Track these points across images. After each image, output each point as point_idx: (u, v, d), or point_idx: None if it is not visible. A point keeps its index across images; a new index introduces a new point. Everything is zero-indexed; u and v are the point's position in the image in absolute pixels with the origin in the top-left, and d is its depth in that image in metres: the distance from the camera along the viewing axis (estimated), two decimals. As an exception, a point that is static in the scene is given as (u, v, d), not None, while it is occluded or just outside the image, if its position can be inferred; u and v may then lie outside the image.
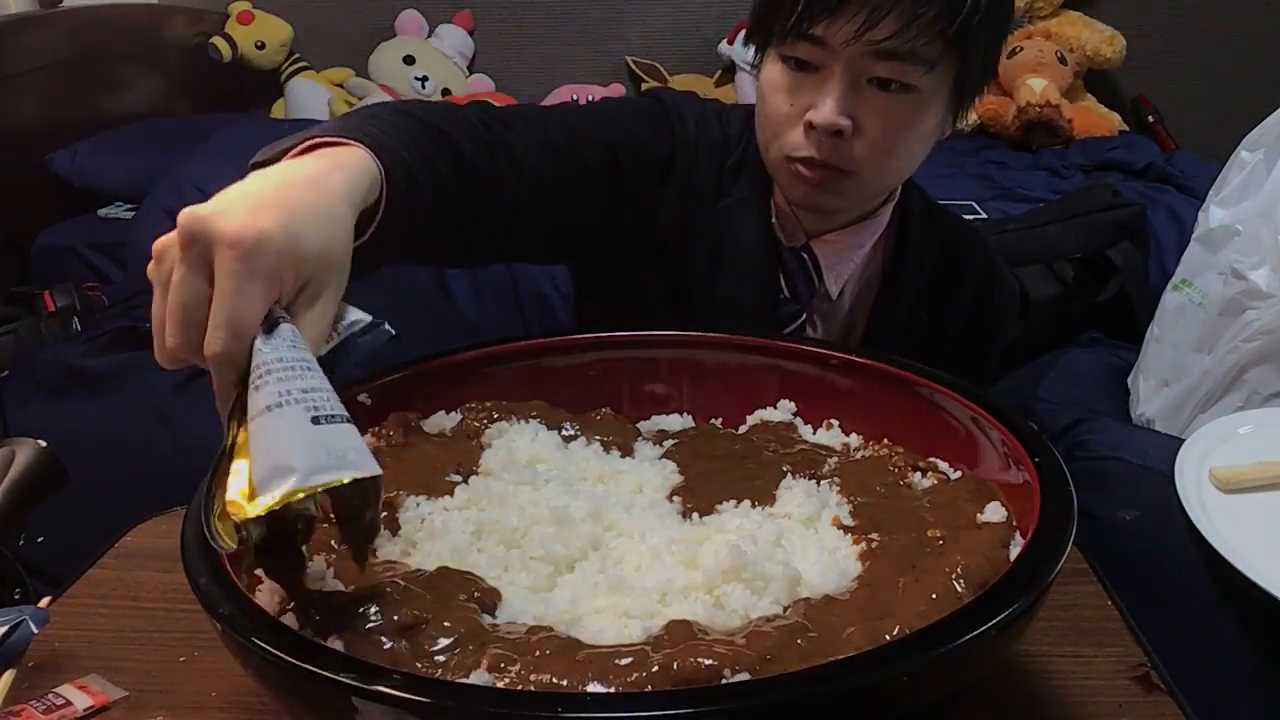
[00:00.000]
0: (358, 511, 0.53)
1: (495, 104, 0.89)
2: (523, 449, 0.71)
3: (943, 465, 0.70)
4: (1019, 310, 1.05)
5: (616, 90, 2.71)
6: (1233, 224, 1.15)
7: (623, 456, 0.73)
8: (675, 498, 0.67)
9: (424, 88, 2.67)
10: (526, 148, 0.84)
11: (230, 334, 0.51)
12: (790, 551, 0.60)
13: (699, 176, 0.97)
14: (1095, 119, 2.49)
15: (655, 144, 0.96)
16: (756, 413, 0.79)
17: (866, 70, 0.84)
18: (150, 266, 0.54)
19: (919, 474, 0.68)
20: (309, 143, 0.63)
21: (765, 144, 0.93)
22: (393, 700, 0.44)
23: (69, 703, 0.62)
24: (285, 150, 0.64)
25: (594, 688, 0.47)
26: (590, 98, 2.69)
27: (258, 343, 0.51)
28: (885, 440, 0.73)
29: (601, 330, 0.82)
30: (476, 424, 0.74)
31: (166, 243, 0.52)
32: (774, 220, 0.97)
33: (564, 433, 0.74)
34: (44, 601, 0.65)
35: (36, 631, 0.63)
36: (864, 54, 0.83)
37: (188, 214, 0.51)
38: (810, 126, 0.86)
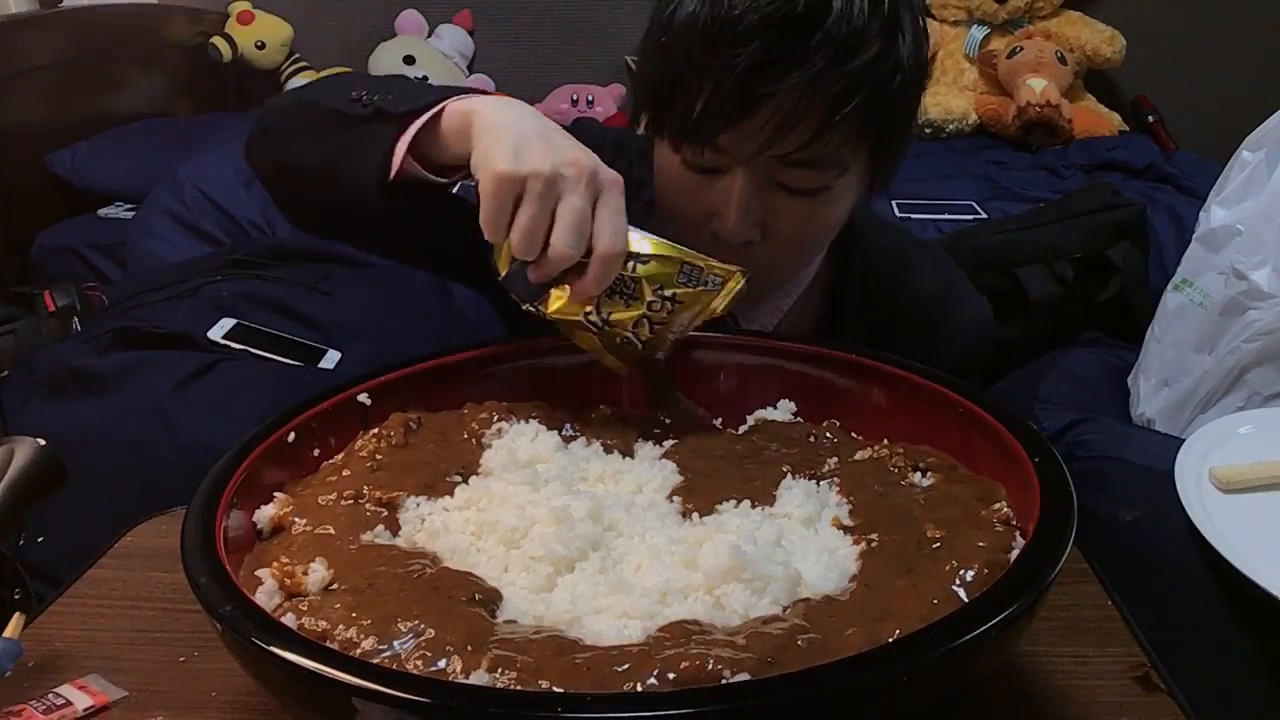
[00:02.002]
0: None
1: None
2: (523, 449, 0.71)
3: (943, 465, 0.70)
4: (988, 326, 0.99)
5: (616, 91, 2.71)
6: (1234, 224, 1.15)
7: (623, 456, 0.73)
8: (675, 498, 0.67)
9: (424, 88, 2.68)
10: None
11: (622, 235, 0.68)
12: (790, 552, 0.60)
13: None
14: (1095, 119, 2.49)
15: None
16: (756, 413, 0.79)
17: (774, 176, 0.79)
18: (501, 187, 0.66)
19: (919, 474, 0.68)
20: (447, 103, 0.73)
21: (669, 224, 0.85)
22: (393, 700, 0.44)
23: (69, 703, 0.62)
24: (424, 107, 0.73)
25: (594, 688, 0.47)
26: (590, 98, 2.70)
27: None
28: (885, 440, 0.73)
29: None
30: (476, 424, 0.74)
31: (550, 177, 0.66)
32: None
33: (564, 433, 0.74)
34: (11, 629, 0.64)
35: (10, 670, 0.63)
36: (771, 162, 0.78)
37: (579, 158, 0.67)
38: (715, 235, 0.82)
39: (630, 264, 0.70)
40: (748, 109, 0.76)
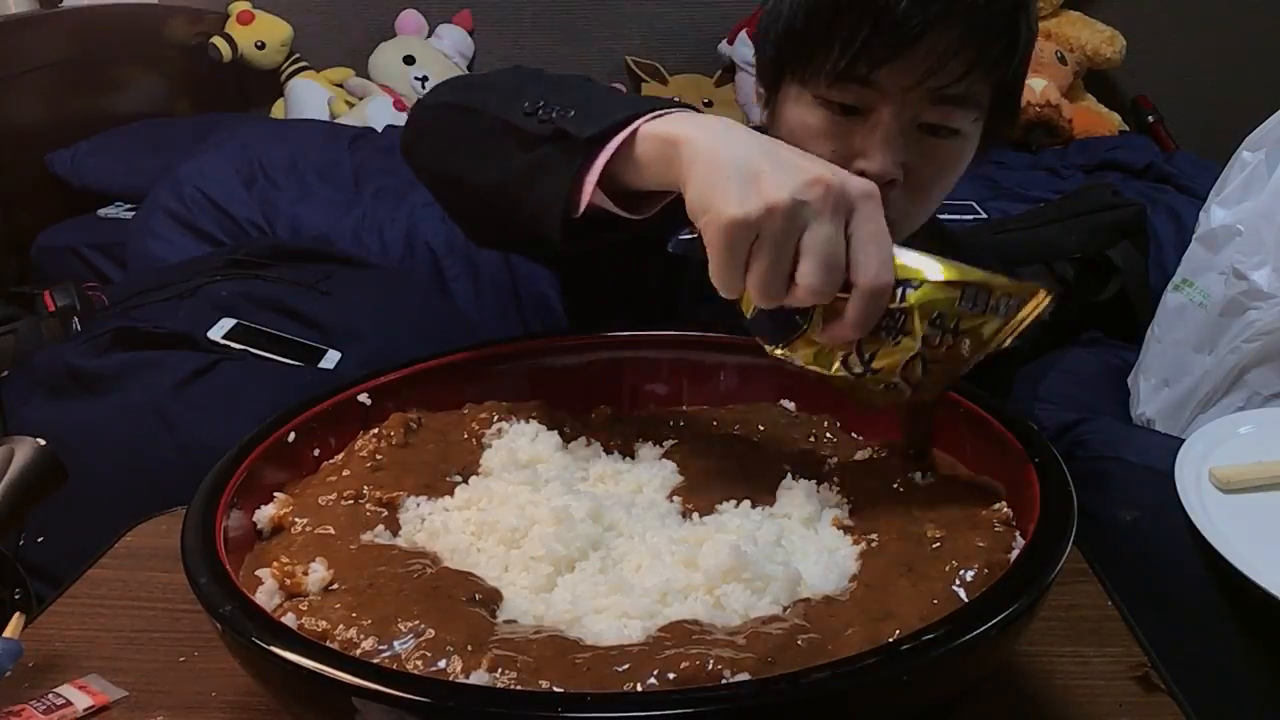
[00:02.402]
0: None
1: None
2: (523, 449, 0.71)
3: (943, 465, 0.70)
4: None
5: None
6: (1234, 224, 1.15)
7: (623, 457, 0.73)
8: (675, 498, 0.67)
9: (424, 88, 2.67)
10: None
11: (888, 262, 0.57)
12: (790, 552, 0.60)
13: None
14: (1095, 119, 2.49)
15: None
16: (756, 412, 0.79)
17: (918, 115, 0.81)
18: (733, 236, 0.55)
19: (919, 474, 0.68)
20: (640, 124, 0.63)
21: None
22: (393, 700, 0.44)
23: (69, 703, 0.62)
24: (614, 128, 0.63)
25: (594, 688, 0.47)
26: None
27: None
28: (885, 440, 0.73)
29: (601, 330, 0.82)
30: (476, 424, 0.74)
31: (789, 209, 0.55)
32: None
33: (564, 433, 0.74)
34: (11, 629, 0.64)
35: (10, 670, 0.63)
36: (918, 99, 0.80)
37: (823, 177, 0.55)
38: (859, 175, 0.82)
39: (899, 290, 0.57)
40: (909, 42, 0.77)
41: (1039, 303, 0.60)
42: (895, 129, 0.80)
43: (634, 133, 0.63)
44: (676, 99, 0.67)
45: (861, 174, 0.76)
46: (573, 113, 0.65)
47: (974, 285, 0.59)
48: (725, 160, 0.57)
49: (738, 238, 0.55)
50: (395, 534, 0.63)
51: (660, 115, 0.63)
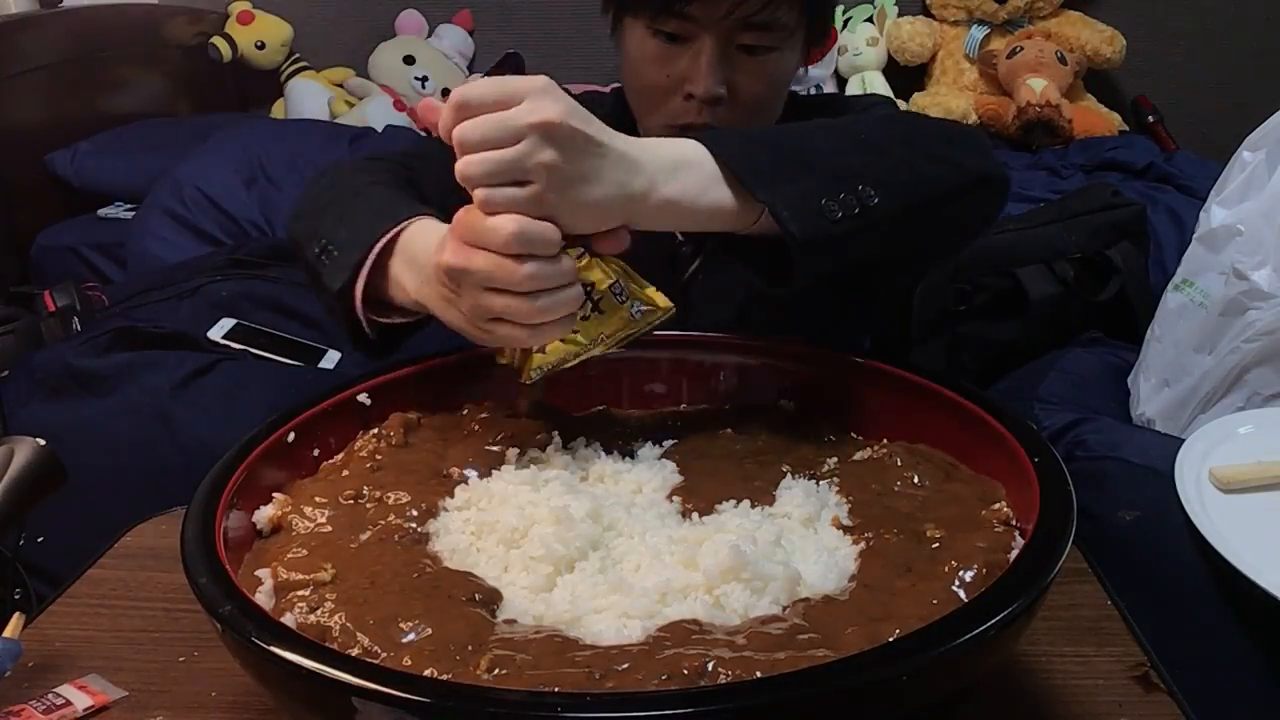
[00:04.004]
0: None
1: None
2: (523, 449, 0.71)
3: (943, 465, 0.70)
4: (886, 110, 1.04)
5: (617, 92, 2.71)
6: (1234, 224, 1.15)
7: (623, 457, 0.73)
8: (675, 498, 0.67)
9: (424, 88, 2.67)
10: (415, 162, 0.93)
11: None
12: (790, 551, 0.60)
13: None
14: (1095, 119, 2.48)
15: None
16: (756, 412, 0.79)
17: (735, 38, 0.89)
18: (442, 313, 0.70)
19: (918, 474, 0.68)
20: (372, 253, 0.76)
21: (642, 114, 0.97)
22: (393, 700, 0.44)
23: (69, 703, 0.62)
24: (355, 268, 0.76)
25: (594, 688, 0.47)
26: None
27: None
28: (885, 440, 0.73)
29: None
30: (476, 424, 0.74)
31: (447, 271, 0.66)
32: None
33: (564, 433, 0.74)
34: (11, 629, 0.64)
35: (9, 670, 0.63)
36: (732, 26, 0.88)
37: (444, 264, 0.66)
38: (689, 96, 0.91)
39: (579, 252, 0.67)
40: None
41: (660, 315, 0.70)
42: (715, 54, 0.89)
43: (374, 265, 0.74)
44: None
45: (689, 96, 0.91)
46: (336, 254, 0.77)
47: (623, 282, 0.68)
48: (409, 265, 0.72)
49: (445, 314, 0.69)
50: (396, 534, 0.62)
51: (396, 233, 0.74)
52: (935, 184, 0.77)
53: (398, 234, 0.74)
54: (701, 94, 0.90)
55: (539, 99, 0.63)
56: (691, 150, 0.71)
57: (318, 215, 0.83)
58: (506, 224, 0.63)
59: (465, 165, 0.63)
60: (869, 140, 0.77)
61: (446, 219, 0.70)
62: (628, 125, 0.98)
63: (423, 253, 0.71)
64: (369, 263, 0.74)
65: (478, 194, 0.64)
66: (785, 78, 0.95)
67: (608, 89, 1.13)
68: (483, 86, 0.64)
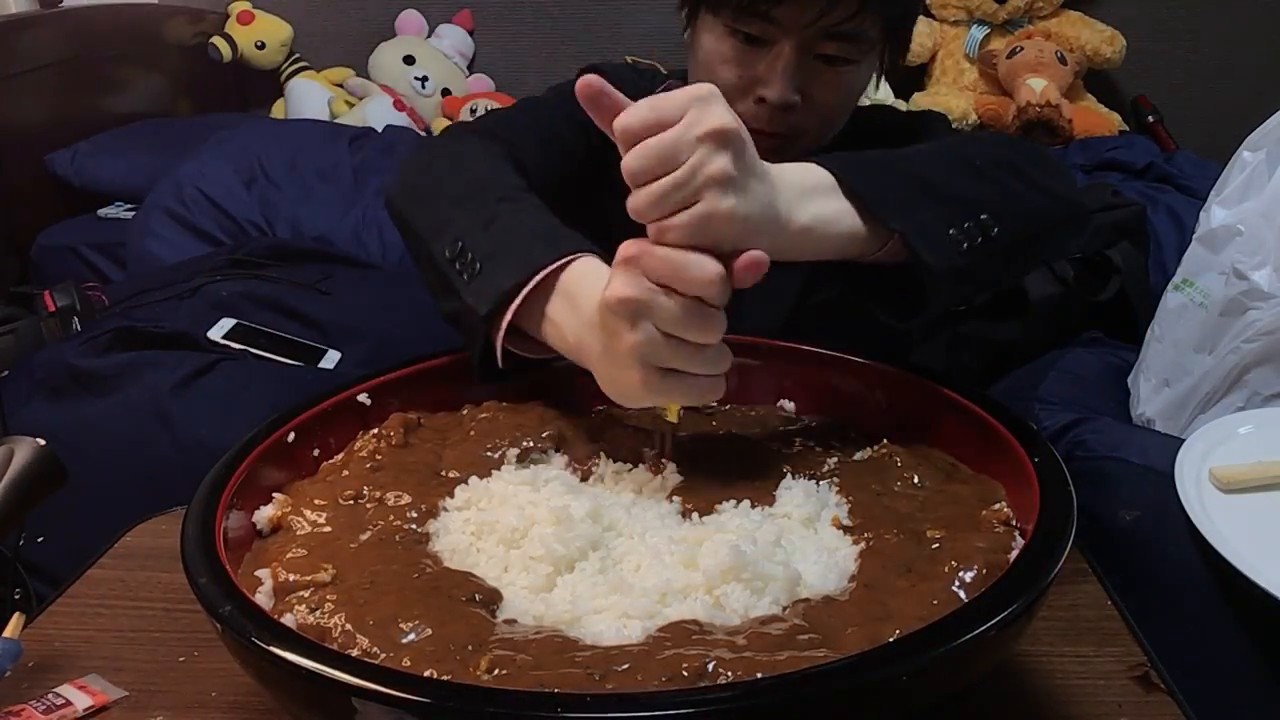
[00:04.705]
0: None
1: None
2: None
3: (943, 465, 0.70)
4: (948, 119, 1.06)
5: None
6: (1235, 224, 1.15)
7: (623, 458, 0.73)
8: (675, 498, 0.67)
9: (424, 88, 2.67)
10: (524, 150, 0.90)
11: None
12: (790, 552, 0.60)
13: None
14: (1095, 119, 2.48)
15: None
16: (757, 412, 0.78)
17: (815, 47, 0.89)
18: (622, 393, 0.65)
19: (918, 474, 0.68)
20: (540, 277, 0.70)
21: None
22: (393, 700, 0.44)
23: (69, 703, 0.62)
24: (513, 291, 0.70)
25: (594, 688, 0.47)
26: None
27: None
28: (885, 440, 0.73)
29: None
30: (476, 424, 0.74)
31: (633, 304, 0.61)
32: None
33: (564, 433, 0.74)
34: (11, 629, 0.64)
35: (9, 670, 0.63)
36: (814, 34, 0.88)
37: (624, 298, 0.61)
38: (760, 100, 0.90)
39: None
40: None
41: None
42: (793, 61, 0.89)
43: (538, 282, 0.68)
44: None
45: (761, 100, 0.90)
46: (479, 268, 0.71)
47: None
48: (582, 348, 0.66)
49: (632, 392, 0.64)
50: (396, 534, 0.63)
51: (558, 266, 0.68)
52: (1044, 215, 0.78)
53: (560, 268, 0.68)
54: (776, 99, 0.89)
55: (704, 108, 0.59)
56: (819, 176, 0.69)
57: (447, 208, 0.78)
58: (709, 265, 0.59)
59: (636, 201, 0.60)
60: (981, 168, 0.75)
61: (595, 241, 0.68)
62: None
63: (587, 296, 0.66)
64: (524, 294, 0.68)
65: (651, 228, 0.60)
66: (858, 91, 0.95)
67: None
68: (641, 110, 0.60)
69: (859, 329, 0.80)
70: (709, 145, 0.59)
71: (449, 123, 2.64)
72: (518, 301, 0.68)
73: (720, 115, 0.60)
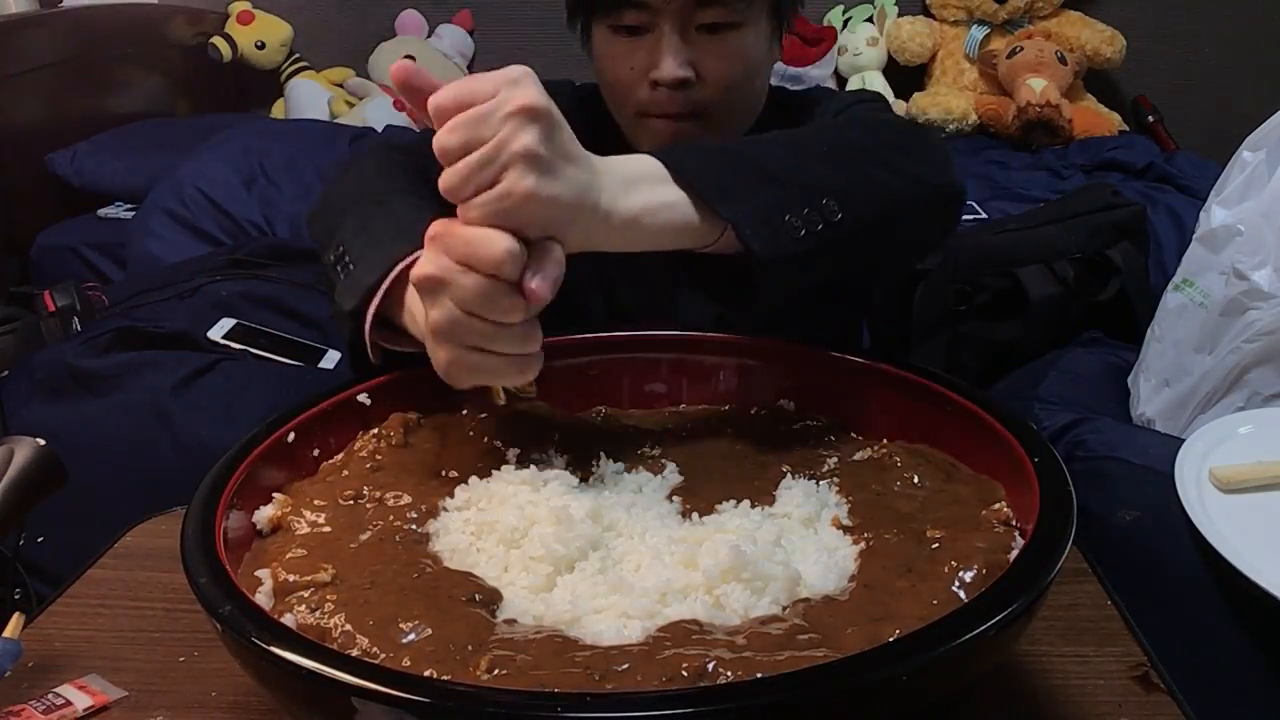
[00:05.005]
0: None
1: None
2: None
3: (943, 465, 0.70)
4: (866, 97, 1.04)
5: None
6: (1235, 224, 1.15)
7: (623, 457, 0.73)
8: (675, 498, 0.67)
9: (424, 88, 2.68)
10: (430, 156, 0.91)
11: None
12: (790, 551, 0.60)
13: None
14: (1095, 119, 2.49)
15: None
16: (757, 412, 0.78)
17: (693, 19, 0.90)
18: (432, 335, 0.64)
19: (918, 474, 0.68)
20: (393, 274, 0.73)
21: (617, 109, 0.97)
22: (393, 700, 0.44)
23: (69, 703, 0.62)
24: (369, 292, 0.73)
25: (594, 688, 0.47)
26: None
27: None
28: (885, 440, 0.73)
29: (601, 330, 0.82)
30: (476, 424, 0.74)
31: (428, 280, 0.62)
32: None
33: (564, 433, 0.74)
34: (11, 629, 0.64)
35: (9, 670, 0.63)
36: (686, 5, 0.89)
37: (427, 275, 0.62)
38: (655, 84, 0.91)
39: None
40: None
41: None
42: (674, 37, 0.90)
43: (391, 290, 0.71)
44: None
45: (655, 83, 0.92)
46: (352, 268, 0.74)
47: None
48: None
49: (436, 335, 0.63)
50: (395, 534, 0.62)
51: (409, 262, 0.69)
52: (897, 199, 0.75)
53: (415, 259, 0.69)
54: (667, 76, 0.90)
55: (514, 87, 0.59)
56: (648, 165, 0.68)
57: (337, 217, 0.80)
58: (500, 241, 0.59)
59: (445, 179, 0.60)
60: (830, 152, 0.74)
61: None
62: (591, 124, 0.96)
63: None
64: (383, 288, 0.70)
65: (460, 207, 0.60)
66: (755, 56, 0.94)
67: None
68: (453, 88, 0.60)
69: (793, 323, 0.80)
70: (516, 120, 0.58)
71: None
72: (378, 297, 0.71)
73: (530, 93, 0.59)
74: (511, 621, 0.54)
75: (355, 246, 0.76)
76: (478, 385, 0.68)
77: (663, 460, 0.71)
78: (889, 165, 0.76)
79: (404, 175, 0.85)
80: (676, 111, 0.92)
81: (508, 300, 0.60)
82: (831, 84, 2.65)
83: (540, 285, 0.60)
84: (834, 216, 0.70)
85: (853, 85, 2.63)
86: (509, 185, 0.59)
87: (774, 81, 1.06)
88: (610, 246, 0.66)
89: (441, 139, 0.60)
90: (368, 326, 0.71)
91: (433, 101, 0.61)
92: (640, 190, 0.67)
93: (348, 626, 0.53)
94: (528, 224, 0.60)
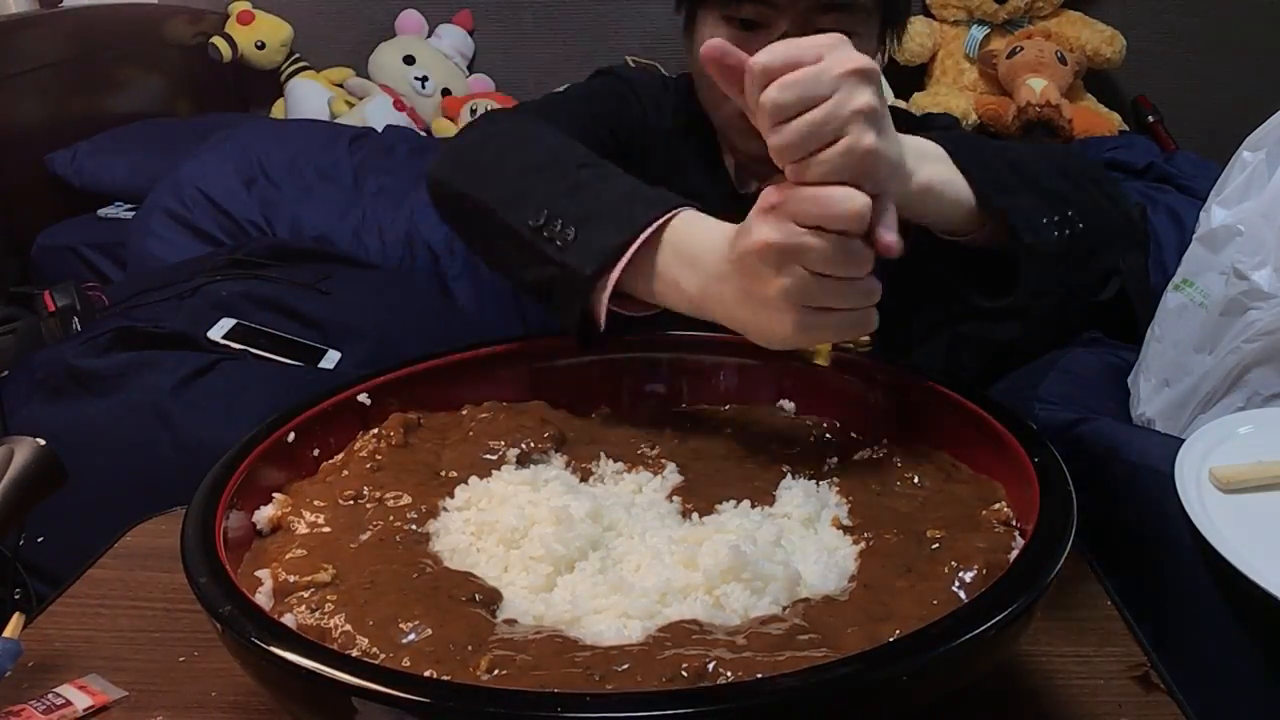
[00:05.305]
0: None
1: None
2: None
3: (943, 465, 0.70)
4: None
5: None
6: (1235, 224, 1.15)
7: (623, 457, 0.73)
8: (675, 498, 0.67)
9: (424, 87, 2.67)
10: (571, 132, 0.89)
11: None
12: (790, 551, 0.60)
13: (652, 136, 1.01)
14: (1095, 119, 2.48)
15: (625, 114, 1.02)
16: (756, 412, 0.78)
17: (812, 22, 0.89)
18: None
19: (918, 474, 0.68)
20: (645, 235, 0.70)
21: (714, 105, 0.96)
22: (393, 700, 0.44)
23: (69, 703, 0.62)
24: (620, 247, 0.70)
25: (594, 688, 0.47)
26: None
27: None
28: (885, 440, 0.73)
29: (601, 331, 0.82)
30: (476, 424, 0.74)
31: (785, 249, 0.62)
32: (729, 172, 1.01)
33: (564, 433, 0.74)
34: (11, 629, 0.64)
35: (10, 670, 0.63)
36: (809, 9, 0.89)
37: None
38: None
39: None
40: None
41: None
42: (791, 36, 0.86)
43: (643, 240, 0.68)
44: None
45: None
46: (574, 233, 0.70)
47: None
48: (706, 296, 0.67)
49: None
50: (395, 534, 0.63)
51: (663, 222, 0.68)
52: (1113, 226, 0.79)
53: (664, 224, 0.69)
54: None
55: (841, 48, 0.60)
56: (931, 145, 0.70)
57: (521, 178, 0.77)
58: (858, 197, 0.59)
59: (781, 137, 0.60)
60: (1068, 170, 0.77)
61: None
62: (695, 118, 0.99)
63: (705, 248, 0.67)
64: (631, 250, 0.68)
65: (790, 169, 0.61)
66: None
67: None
68: (779, 49, 0.60)
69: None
70: (853, 79, 0.59)
71: (449, 123, 2.64)
72: (626, 258, 0.68)
73: (859, 55, 0.60)
74: (511, 621, 0.54)
75: (571, 210, 0.72)
76: (814, 345, 0.69)
77: (663, 460, 0.71)
78: (1104, 194, 0.80)
79: (576, 141, 0.83)
80: None
81: (861, 255, 0.61)
82: (831, 84, 2.65)
83: (890, 236, 0.61)
84: (1077, 227, 0.73)
85: (853, 85, 2.63)
86: (853, 141, 0.59)
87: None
88: (903, 212, 0.66)
89: (775, 96, 0.59)
90: (607, 292, 0.70)
91: (758, 62, 0.60)
92: (933, 163, 0.69)
93: (348, 627, 0.53)
94: (866, 180, 0.61)
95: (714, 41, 0.63)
